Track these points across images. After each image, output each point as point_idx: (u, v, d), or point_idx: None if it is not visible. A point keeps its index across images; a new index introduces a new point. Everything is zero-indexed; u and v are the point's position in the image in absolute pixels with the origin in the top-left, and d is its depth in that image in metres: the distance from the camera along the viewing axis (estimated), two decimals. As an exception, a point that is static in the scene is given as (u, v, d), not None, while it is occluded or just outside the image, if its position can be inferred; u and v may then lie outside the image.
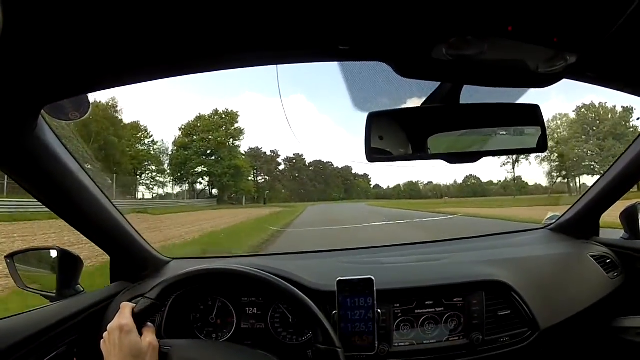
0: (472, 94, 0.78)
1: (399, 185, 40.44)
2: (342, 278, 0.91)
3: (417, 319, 0.96)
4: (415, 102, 0.78)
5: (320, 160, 36.82)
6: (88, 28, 0.50)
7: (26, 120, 0.68)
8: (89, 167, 1.09)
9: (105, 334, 0.70)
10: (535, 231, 1.52)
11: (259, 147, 33.37)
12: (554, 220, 1.48)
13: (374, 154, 0.72)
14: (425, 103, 0.78)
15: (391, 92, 0.79)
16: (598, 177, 1.31)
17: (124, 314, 0.70)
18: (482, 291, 0.99)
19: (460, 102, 0.75)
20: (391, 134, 0.74)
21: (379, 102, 0.75)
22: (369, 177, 39.40)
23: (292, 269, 0.99)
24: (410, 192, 39.08)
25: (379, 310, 0.91)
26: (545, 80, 0.74)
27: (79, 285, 1.03)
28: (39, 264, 1.08)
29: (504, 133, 0.79)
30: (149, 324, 0.72)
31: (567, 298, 1.11)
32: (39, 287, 1.04)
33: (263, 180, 32.98)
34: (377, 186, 40.26)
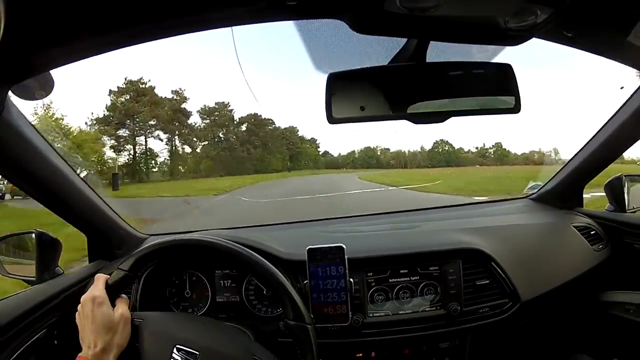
0: (441, 53, 0.75)
1: (353, 152, 34.13)
2: (312, 247, 0.90)
3: (391, 288, 0.95)
4: (381, 61, 0.75)
5: (256, 115, 26.34)
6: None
7: None
8: (59, 146, 1.08)
9: (79, 306, 0.70)
10: (516, 200, 1.50)
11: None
12: (535, 190, 1.46)
13: (335, 116, 0.70)
14: (391, 62, 0.75)
15: (353, 51, 0.76)
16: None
17: (97, 286, 0.70)
18: (459, 259, 0.97)
19: (427, 61, 0.73)
20: (353, 95, 0.71)
21: (340, 62, 0.72)
22: (317, 141, 31.86)
23: (265, 240, 0.98)
24: (368, 159, 33.26)
25: (351, 280, 0.90)
26: (515, 37, 0.71)
27: (58, 267, 1.03)
28: (19, 249, 1.08)
29: (475, 92, 0.77)
30: (122, 295, 0.72)
31: (549, 269, 1.09)
32: (19, 272, 1.03)
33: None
34: (326, 153, 33.41)
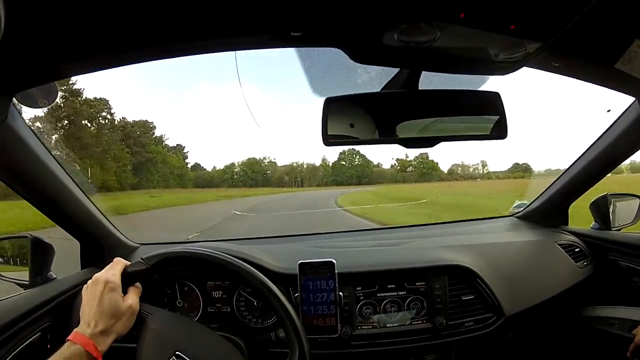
0: (432, 81, 0.78)
1: (233, 164, 27.64)
2: (303, 261, 0.92)
3: (379, 302, 0.98)
4: (375, 88, 0.79)
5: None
6: (55, 15, 0.50)
7: None
8: (58, 154, 1.09)
9: (90, 281, 0.70)
10: (502, 219, 1.53)
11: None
12: (521, 209, 1.50)
13: (330, 139, 0.73)
14: (384, 88, 0.79)
15: (349, 78, 0.79)
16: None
17: (114, 270, 0.70)
18: (445, 275, 1.00)
19: (420, 88, 0.76)
20: (347, 119, 0.75)
21: (337, 88, 0.75)
22: (185, 150, 24.56)
23: (256, 253, 1.00)
24: (253, 175, 26.90)
25: (340, 293, 0.93)
26: (505, 68, 0.74)
27: (51, 272, 1.04)
28: (12, 252, 1.09)
29: (464, 119, 0.80)
30: (137, 284, 0.72)
31: (533, 285, 1.12)
32: (12, 276, 1.04)
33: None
34: (197, 166, 26.19)
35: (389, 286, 0.99)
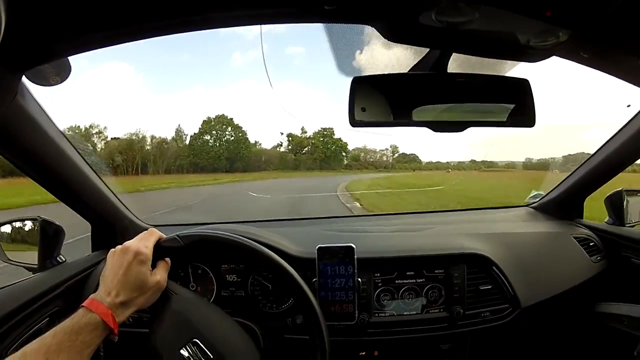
0: (460, 64, 0.77)
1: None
2: (322, 245, 0.91)
3: (397, 289, 0.97)
4: (402, 68, 0.77)
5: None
6: None
7: (7, 87, 0.66)
8: (70, 133, 1.07)
9: (118, 247, 0.67)
10: (518, 208, 1.51)
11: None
12: (537, 199, 1.48)
13: (357, 118, 0.71)
14: (412, 70, 0.77)
15: (377, 56, 0.77)
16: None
17: (147, 242, 0.67)
18: (464, 264, 0.99)
19: (448, 71, 0.74)
20: (375, 100, 0.73)
21: (364, 67, 0.73)
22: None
23: (276, 237, 0.99)
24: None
25: (359, 279, 0.91)
26: (535, 55, 0.73)
27: (61, 256, 1.02)
28: (21, 235, 1.06)
29: (492, 105, 0.79)
30: (167, 259, 0.69)
31: (549, 277, 1.12)
32: (21, 259, 1.02)
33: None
34: None
35: (408, 273, 0.98)
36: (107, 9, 0.54)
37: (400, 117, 0.74)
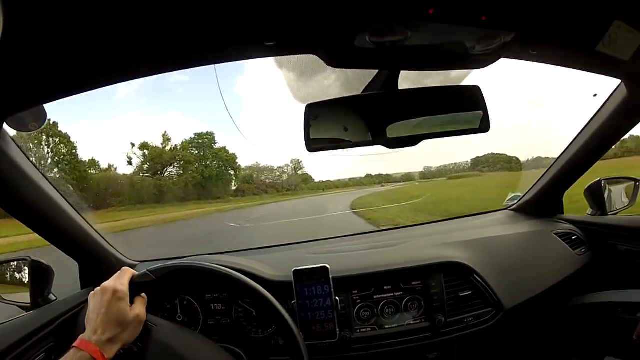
0: (411, 80, 0.79)
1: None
2: (297, 268, 0.93)
3: (376, 304, 0.98)
4: (355, 90, 0.79)
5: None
6: (47, 37, 0.51)
7: None
8: (52, 175, 1.10)
9: (97, 289, 0.70)
10: (496, 212, 1.53)
11: None
12: (515, 201, 1.49)
13: (313, 144, 0.73)
14: (365, 90, 0.79)
15: (328, 82, 0.80)
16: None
17: (122, 280, 0.70)
18: (441, 273, 1.00)
19: (399, 88, 0.76)
20: (330, 123, 0.75)
21: (317, 93, 0.76)
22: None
23: (254, 264, 1.00)
24: None
25: (336, 298, 0.92)
26: (483, 60, 0.74)
27: (51, 294, 1.04)
28: (13, 275, 1.09)
29: (446, 115, 0.80)
30: (143, 295, 0.72)
31: (532, 276, 1.12)
32: (14, 299, 1.05)
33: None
34: None
35: (385, 287, 0.99)
36: (84, 54, 0.57)
37: (355, 138, 0.75)
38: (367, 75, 0.79)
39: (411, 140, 0.77)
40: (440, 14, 0.57)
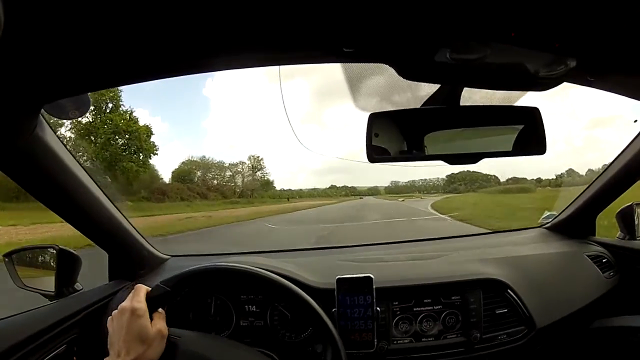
0: (472, 97, 0.79)
1: None
2: (341, 276, 0.92)
3: (415, 316, 0.98)
4: (415, 103, 0.79)
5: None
6: (89, 27, 0.50)
7: (26, 119, 0.68)
8: (88, 165, 1.09)
9: (114, 312, 0.69)
10: (531, 230, 1.53)
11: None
12: (549, 220, 1.49)
13: (374, 154, 0.73)
14: (425, 104, 0.79)
15: (392, 92, 0.79)
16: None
17: (138, 297, 0.69)
18: (480, 289, 1.00)
19: (461, 104, 0.76)
20: (391, 135, 0.75)
21: (380, 102, 0.75)
22: None
23: (292, 267, 1.00)
24: None
25: (377, 308, 0.92)
26: (545, 83, 0.74)
27: (77, 284, 1.03)
28: (38, 263, 1.08)
29: (504, 134, 0.80)
30: (160, 310, 0.71)
31: (563, 297, 1.12)
32: (37, 286, 1.03)
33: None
34: None
35: (425, 300, 0.98)
36: (127, 49, 0.56)
37: (415, 151, 0.75)
38: (428, 88, 0.79)
39: (472, 158, 0.77)
40: (520, 37, 0.58)
